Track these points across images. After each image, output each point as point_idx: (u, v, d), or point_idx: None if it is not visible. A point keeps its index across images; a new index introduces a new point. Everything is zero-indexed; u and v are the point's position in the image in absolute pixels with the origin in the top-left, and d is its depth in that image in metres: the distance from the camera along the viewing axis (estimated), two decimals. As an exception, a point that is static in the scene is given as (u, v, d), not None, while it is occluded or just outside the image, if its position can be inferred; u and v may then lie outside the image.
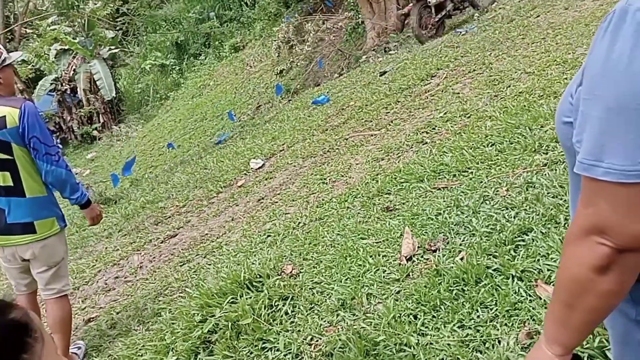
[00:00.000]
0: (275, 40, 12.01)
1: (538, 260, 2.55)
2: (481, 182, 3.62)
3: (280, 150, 6.49)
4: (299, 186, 5.08)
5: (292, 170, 5.62)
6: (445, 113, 5.08)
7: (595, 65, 0.73)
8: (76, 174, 8.92)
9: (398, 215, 3.63)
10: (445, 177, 3.92)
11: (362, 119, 6.16)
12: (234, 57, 15.64)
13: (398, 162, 4.54)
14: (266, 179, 5.74)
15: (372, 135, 5.53)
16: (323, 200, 4.50)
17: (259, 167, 6.14)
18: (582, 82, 0.77)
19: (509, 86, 5.05)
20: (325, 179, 4.91)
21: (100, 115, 16.96)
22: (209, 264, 4.24)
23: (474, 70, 5.88)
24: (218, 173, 6.73)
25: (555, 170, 3.35)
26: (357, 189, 4.33)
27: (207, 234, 4.98)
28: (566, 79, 4.61)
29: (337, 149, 5.57)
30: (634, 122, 0.68)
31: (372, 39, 11.05)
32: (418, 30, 8.39)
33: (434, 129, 4.88)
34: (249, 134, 8.66)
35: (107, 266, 5.14)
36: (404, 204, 3.79)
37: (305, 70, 11.14)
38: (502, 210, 3.11)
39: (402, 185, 4.02)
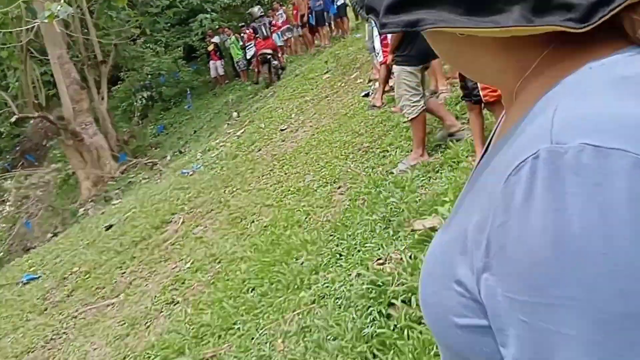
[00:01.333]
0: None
1: None
2: (253, 338, 3.23)
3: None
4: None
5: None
6: (192, 262, 4.66)
7: (534, 250, 0.45)
8: None
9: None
10: (210, 342, 3.44)
11: (92, 286, 5.34)
12: None
13: (148, 334, 3.90)
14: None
15: (108, 306, 4.72)
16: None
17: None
18: (495, 268, 0.48)
19: (253, 222, 4.95)
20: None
21: None
22: None
23: (212, 210, 5.66)
24: None
25: (325, 306, 3.17)
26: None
27: None
28: (304, 206, 4.67)
29: (65, 333, 4.64)
30: None
31: (88, 189, 10.24)
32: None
33: (183, 283, 4.41)
34: None
35: None
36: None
37: (8, 235, 9.45)
38: (287, 372, 2.74)
39: (160, 365, 3.34)
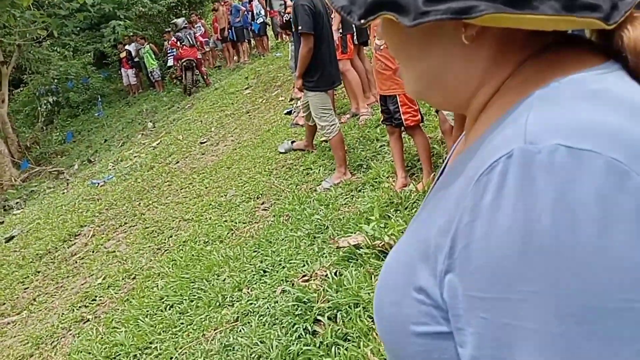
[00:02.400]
0: None
1: None
2: (171, 358, 3.11)
3: None
4: None
5: None
6: (104, 278, 4.41)
7: (500, 246, 0.45)
8: None
9: None
10: None
11: None
12: None
13: (55, 354, 3.63)
14: None
15: (9, 324, 4.34)
16: None
17: None
18: (459, 267, 0.48)
19: (171, 236, 4.78)
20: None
21: None
22: None
23: (126, 223, 5.41)
24: None
25: (249, 323, 3.12)
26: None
27: None
28: (226, 221, 4.61)
29: None
30: (626, 328, 0.42)
31: (-15, 197, 9.35)
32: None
33: (94, 300, 4.17)
34: None
35: None
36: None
37: None
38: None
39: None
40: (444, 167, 0.71)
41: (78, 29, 18.27)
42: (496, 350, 0.46)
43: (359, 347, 2.38)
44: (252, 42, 14.21)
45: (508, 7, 0.46)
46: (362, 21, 0.53)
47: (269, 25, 13.43)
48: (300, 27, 4.26)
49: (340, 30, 5.39)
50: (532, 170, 0.44)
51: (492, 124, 0.53)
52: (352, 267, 3.05)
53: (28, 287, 4.88)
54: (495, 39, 0.54)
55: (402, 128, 3.79)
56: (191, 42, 12.94)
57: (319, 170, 4.84)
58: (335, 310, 2.71)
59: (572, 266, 0.42)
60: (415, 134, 3.76)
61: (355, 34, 5.63)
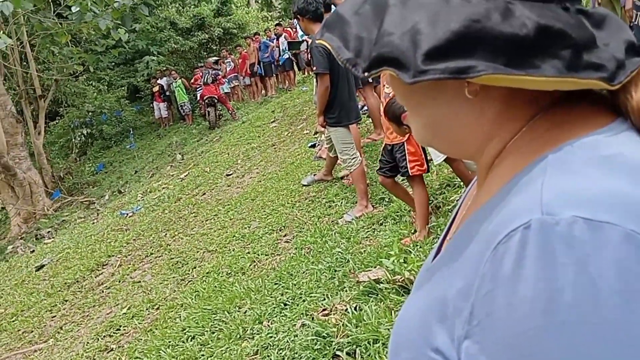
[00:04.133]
0: None
1: None
2: None
3: None
4: None
5: None
6: (129, 308, 4.45)
7: (522, 319, 0.44)
8: None
9: None
10: None
11: (19, 329, 4.96)
12: None
13: None
14: None
15: (36, 351, 4.41)
16: None
17: None
18: (479, 335, 0.47)
19: (194, 267, 4.82)
20: None
21: None
22: None
23: (152, 253, 5.49)
24: None
25: (269, 357, 3.10)
26: None
27: None
28: (249, 253, 4.64)
29: None
30: None
31: (18, 225, 9.72)
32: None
33: (118, 329, 4.19)
34: None
35: None
36: None
37: None
38: None
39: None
40: (455, 214, 0.72)
41: (113, 64, 18.89)
42: None
43: (377, 384, 2.38)
44: (279, 76, 14.51)
45: (508, 67, 0.46)
46: (366, 74, 0.53)
47: (295, 61, 13.72)
48: (315, 68, 4.43)
49: None
50: (551, 243, 0.43)
51: (506, 183, 0.53)
52: (372, 302, 3.03)
53: (55, 316, 4.97)
54: (501, 94, 0.54)
55: (402, 176, 3.68)
56: (205, 81, 13.40)
57: (341, 203, 4.87)
58: (354, 346, 2.68)
59: (595, 340, 0.41)
60: (416, 184, 3.61)
61: None
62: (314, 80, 4.83)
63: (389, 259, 3.24)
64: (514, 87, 0.51)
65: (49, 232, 8.48)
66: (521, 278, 0.44)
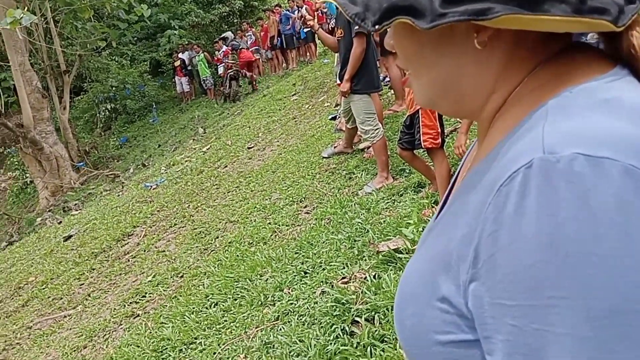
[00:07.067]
0: None
1: None
2: (214, 353, 3.20)
3: None
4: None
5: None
6: (154, 276, 4.57)
7: (526, 254, 0.45)
8: None
9: None
10: (170, 356, 3.37)
11: (49, 296, 5.14)
12: None
13: (107, 347, 3.79)
14: None
15: (65, 317, 4.57)
16: None
17: None
18: (484, 277, 0.48)
19: (217, 237, 4.90)
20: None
21: None
22: None
23: (176, 224, 5.59)
24: None
25: (289, 323, 3.17)
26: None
27: None
28: (270, 223, 4.70)
29: (19, 343, 4.44)
30: None
31: (46, 198, 9.95)
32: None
33: (144, 296, 4.31)
34: None
35: None
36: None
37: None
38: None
39: (118, 379, 3.27)
40: (456, 177, 0.72)
41: (135, 38, 19.00)
42: (527, 356, 0.46)
43: (395, 349, 2.39)
44: (300, 49, 14.40)
45: (522, 9, 0.47)
46: (377, 27, 0.52)
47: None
48: (357, 27, 4.25)
49: None
50: (553, 180, 0.44)
51: (506, 134, 0.53)
52: (391, 270, 3.06)
53: (83, 284, 5.13)
54: (507, 45, 0.54)
55: (416, 148, 3.65)
56: (247, 46, 13.53)
57: (361, 174, 4.88)
58: (373, 312, 2.72)
59: (598, 270, 0.42)
60: (435, 157, 3.56)
61: None
62: (340, 44, 4.70)
63: (408, 228, 3.26)
64: (517, 39, 0.52)
65: (75, 204, 8.68)
66: (524, 215, 0.45)
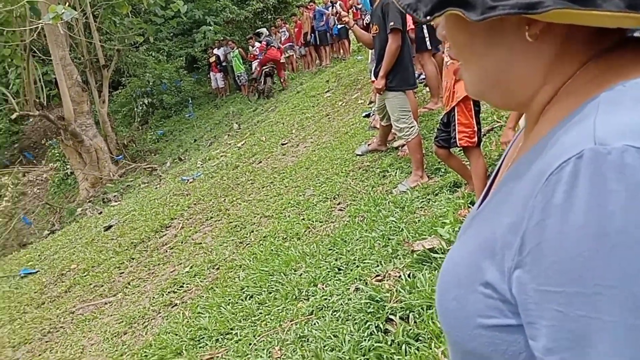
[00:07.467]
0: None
1: None
2: (250, 344, 3.25)
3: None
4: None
5: (-2, 366, 4.31)
6: (191, 267, 4.67)
7: (575, 244, 0.46)
8: None
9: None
10: (207, 345, 3.44)
11: (91, 284, 5.31)
12: None
13: (146, 333, 3.90)
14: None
15: (106, 304, 4.72)
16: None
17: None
18: (530, 264, 0.49)
19: (252, 231, 4.98)
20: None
21: None
22: None
23: (212, 217, 5.70)
24: None
25: (323, 317, 3.20)
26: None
27: None
28: (303, 219, 4.75)
29: (62, 327, 4.59)
30: None
31: (87, 189, 10.22)
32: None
33: (182, 286, 4.40)
34: None
35: None
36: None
37: (5, 230, 9.41)
38: (285, 378, 2.76)
39: (157, 365, 3.37)
40: (498, 169, 0.74)
41: (172, 34, 19.30)
42: (572, 342, 0.46)
43: (430, 348, 2.39)
44: (334, 45, 14.38)
45: (573, 3, 0.47)
46: (428, 17, 0.53)
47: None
48: (392, 23, 4.26)
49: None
50: (603, 171, 0.44)
51: (557, 124, 0.53)
52: (426, 270, 3.03)
53: (123, 272, 5.29)
54: (558, 38, 0.54)
55: (451, 146, 3.62)
56: (278, 46, 13.54)
57: (396, 173, 4.88)
58: (407, 311, 2.72)
59: None
60: (471, 156, 3.55)
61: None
62: (375, 40, 4.69)
63: (443, 228, 3.26)
64: (569, 32, 0.52)
65: (115, 196, 8.93)
66: (573, 206, 0.45)
